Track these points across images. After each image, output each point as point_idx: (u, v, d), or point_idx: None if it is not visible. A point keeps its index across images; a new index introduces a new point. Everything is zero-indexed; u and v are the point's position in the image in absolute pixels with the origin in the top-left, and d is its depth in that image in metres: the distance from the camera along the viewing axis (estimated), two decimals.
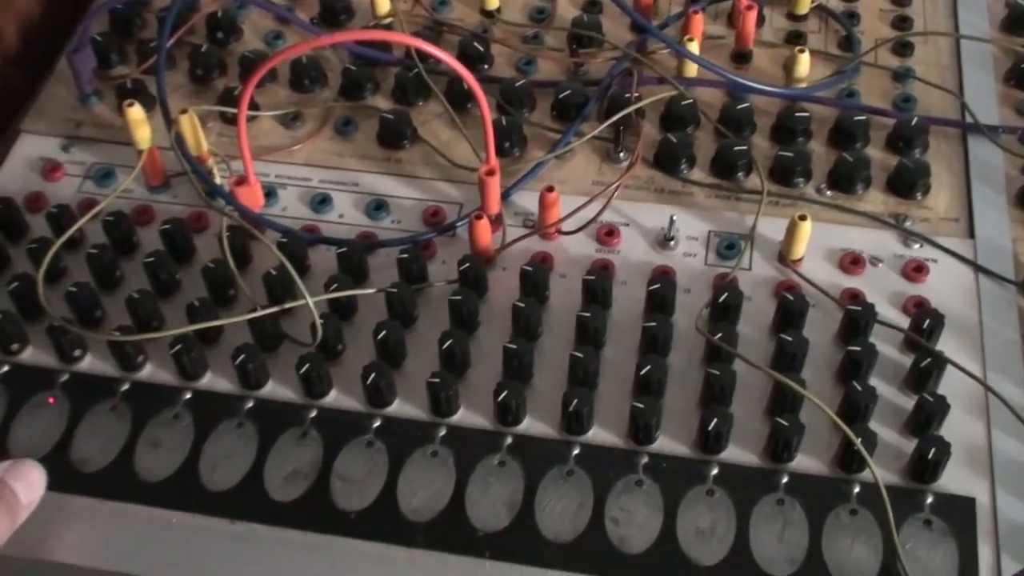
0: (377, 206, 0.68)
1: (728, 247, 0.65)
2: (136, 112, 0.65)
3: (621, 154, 0.70)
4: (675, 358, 0.60)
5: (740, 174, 0.69)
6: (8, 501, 0.53)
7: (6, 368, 0.61)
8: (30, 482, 0.55)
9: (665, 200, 0.68)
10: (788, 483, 0.55)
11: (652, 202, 0.68)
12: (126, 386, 0.60)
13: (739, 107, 0.71)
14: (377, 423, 0.58)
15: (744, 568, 0.53)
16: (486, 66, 0.76)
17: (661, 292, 0.61)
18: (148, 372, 0.61)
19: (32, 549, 0.55)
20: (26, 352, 0.62)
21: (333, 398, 0.60)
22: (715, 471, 0.56)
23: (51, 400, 0.59)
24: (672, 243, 0.65)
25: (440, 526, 0.55)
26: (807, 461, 0.56)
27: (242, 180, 0.64)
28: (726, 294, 0.60)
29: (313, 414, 0.59)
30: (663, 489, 0.55)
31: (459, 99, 0.73)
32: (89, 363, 0.61)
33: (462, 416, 0.59)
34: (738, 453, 0.57)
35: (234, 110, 0.70)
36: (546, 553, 0.54)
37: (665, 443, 0.57)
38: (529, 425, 0.58)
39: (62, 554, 0.55)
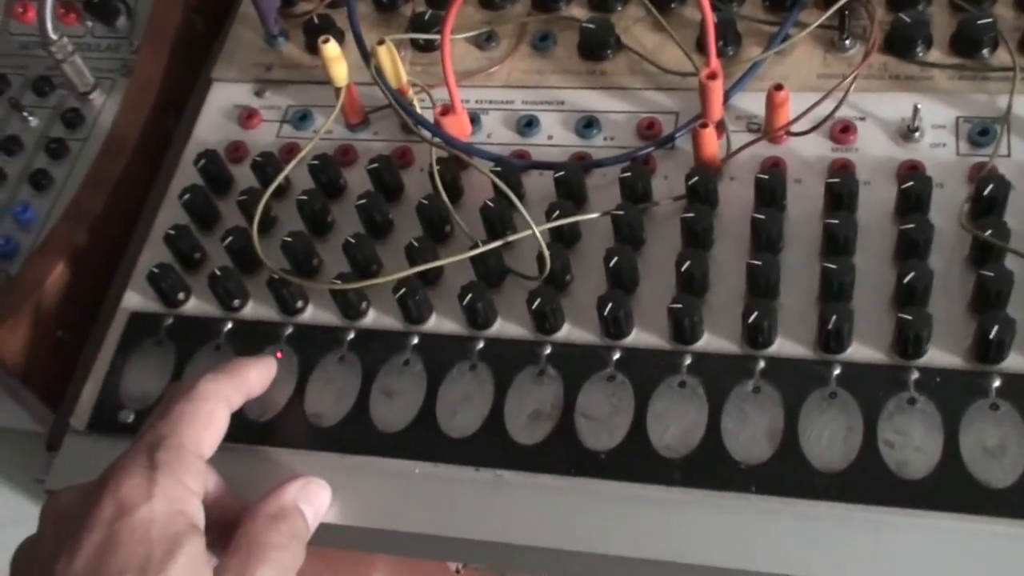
0: (587, 123, 0.64)
1: (981, 133, 0.58)
2: (332, 48, 0.61)
3: (847, 41, 0.63)
4: (934, 261, 0.55)
5: (985, 50, 0.61)
6: (302, 533, 0.50)
7: (230, 325, 0.60)
8: (317, 508, 0.52)
9: (902, 87, 0.62)
10: None
11: (888, 91, 0.62)
12: (352, 335, 0.58)
13: None
14: (617, 355, 0.55)
15: None
16: None
17: (916, 190, 0.55)
18: (372, 319, 0.59)
19: None
20: (247, 307, 0.61)
21: (566, 332, 0.56)
22: (997, 383, 0.51)
23: (279, 354, 0.58)
24: (916, 134, 0.59)
25: (697, 461, 0.51)
26: None
27: (447, 109, 0.61)
28: (992, 186, 0.54)
29: (548, 351, 0.56)
30: (940, 406, 0.50)
31: None
32: (311, 314, 0.60)
33: (707, 341, 0.55)
34: (1021, 361, 0.51)
35: (427, 36, 0.67)
36: (818, 484, 0.50)
37: (935, 355, 0.52)
38: (781, 346, 0.54)
39: None
